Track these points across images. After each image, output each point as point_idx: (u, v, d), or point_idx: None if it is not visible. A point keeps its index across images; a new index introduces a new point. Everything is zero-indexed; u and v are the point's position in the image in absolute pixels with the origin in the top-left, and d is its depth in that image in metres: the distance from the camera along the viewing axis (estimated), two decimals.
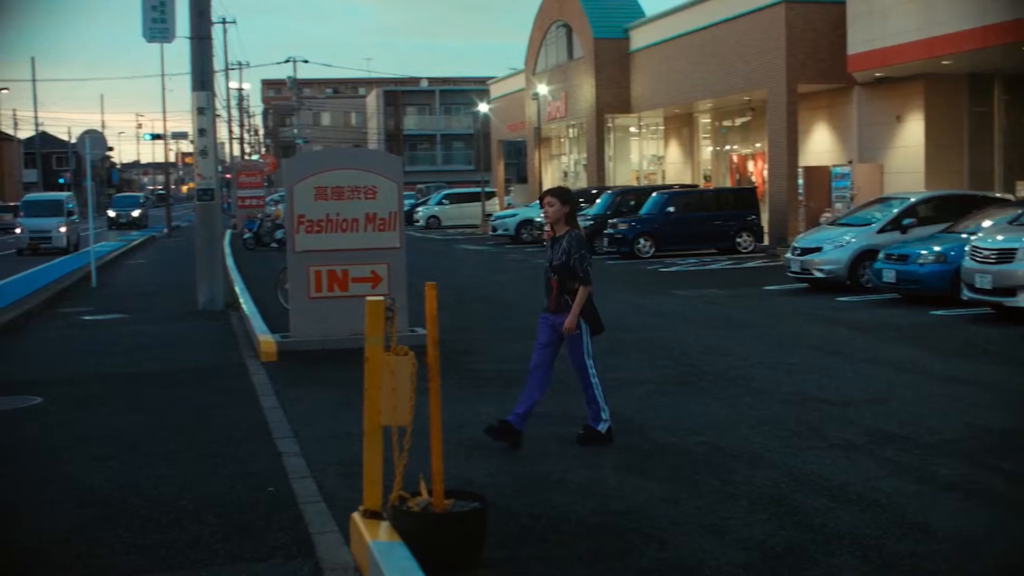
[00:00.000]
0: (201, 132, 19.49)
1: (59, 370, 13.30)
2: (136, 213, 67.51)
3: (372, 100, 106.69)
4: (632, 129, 46.77)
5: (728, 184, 38.99)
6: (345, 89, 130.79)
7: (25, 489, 7.89)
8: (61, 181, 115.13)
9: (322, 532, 6.50)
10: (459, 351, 13.62)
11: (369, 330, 5.86)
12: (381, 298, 5.94)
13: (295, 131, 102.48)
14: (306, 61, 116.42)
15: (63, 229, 39.32)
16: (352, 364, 7.39)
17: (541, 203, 8.86)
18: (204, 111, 19.36)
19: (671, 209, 31.41)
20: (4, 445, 9.42)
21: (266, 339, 14.03)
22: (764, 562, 6.04)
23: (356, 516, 6.03)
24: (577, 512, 6.95)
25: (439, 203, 57.96)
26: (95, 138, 26.38)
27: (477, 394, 10.99)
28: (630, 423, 9.53)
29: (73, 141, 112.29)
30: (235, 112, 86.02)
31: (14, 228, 44.23)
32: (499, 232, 42.88)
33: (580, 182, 48.86)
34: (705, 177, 41.48)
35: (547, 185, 52.30)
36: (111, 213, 64.25)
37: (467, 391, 11.06)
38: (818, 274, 20.49)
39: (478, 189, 54.90)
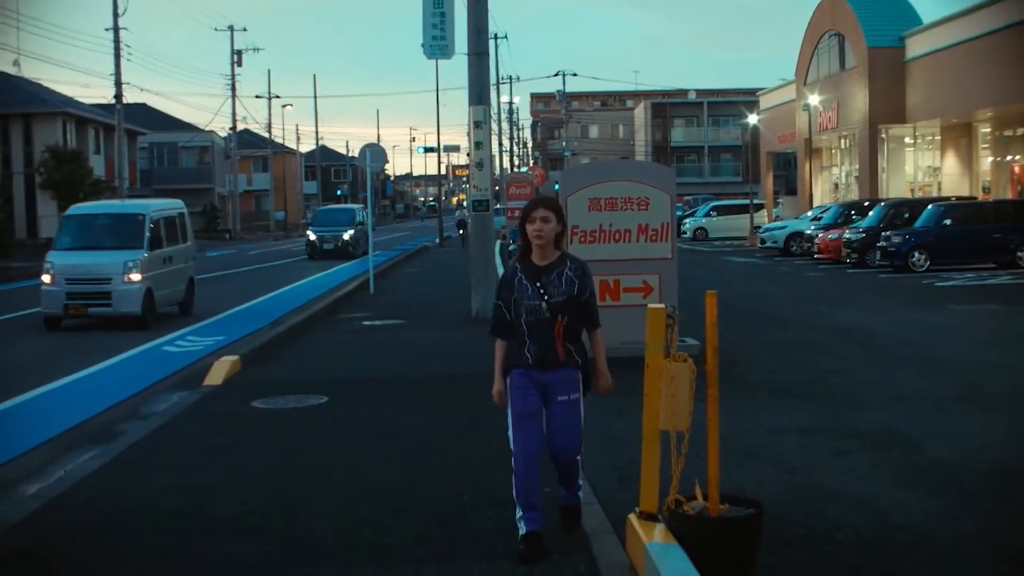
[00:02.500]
0: (477, 145, 20.09)
1: (342, 372, 13.99)
2: (347, 235, 45.10)
3: (640, 112, 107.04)
4: (907, 140, 45.46)
5: (1009, 196, 37.35)
6: (613, 102, 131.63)
7: (317, 481, 8.38)
8: (339, 193, 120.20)
9: (597, 533, 6.69)
10: (730, 362, 13.54)
11: (650, 337, 6.02)
12: (663, 306, 6.09)
13: (563, 144, 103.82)
14: (575, 75, 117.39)
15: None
16: (623, 372, 7.52)
17: (527, 217, 6.37)
18: (480, 125, 19.94)
19: (947, 222, 30.37)
20: (297, 440, 10.01)
21: None
22: None
23: (632, 517, 6.18)
24: (851, 524, 6.91)
25: (706, 215, 57.75)
26: (376, 151, 27.53)
27: (748, 404, 10.96)
28: (906, 438, 9.36)
29: (351, 154, 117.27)
30: (505, 125, 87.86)
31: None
32: (767, 244, 42.41)
33: (851, 194, 47.79)
34: (984, 189, 39.89)
35: (818, 199, 51.45)
36: (311, 235, 46.03)
37: (738, 401, 11.02)
38: None
39: (746, 201, 54.40)
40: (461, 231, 53.77)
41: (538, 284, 6.27)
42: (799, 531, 6.75)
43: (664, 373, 5.93)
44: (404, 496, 7.80)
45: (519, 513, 6.35)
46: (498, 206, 53.10)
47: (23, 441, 10.48)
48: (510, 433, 6.36)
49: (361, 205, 50.62)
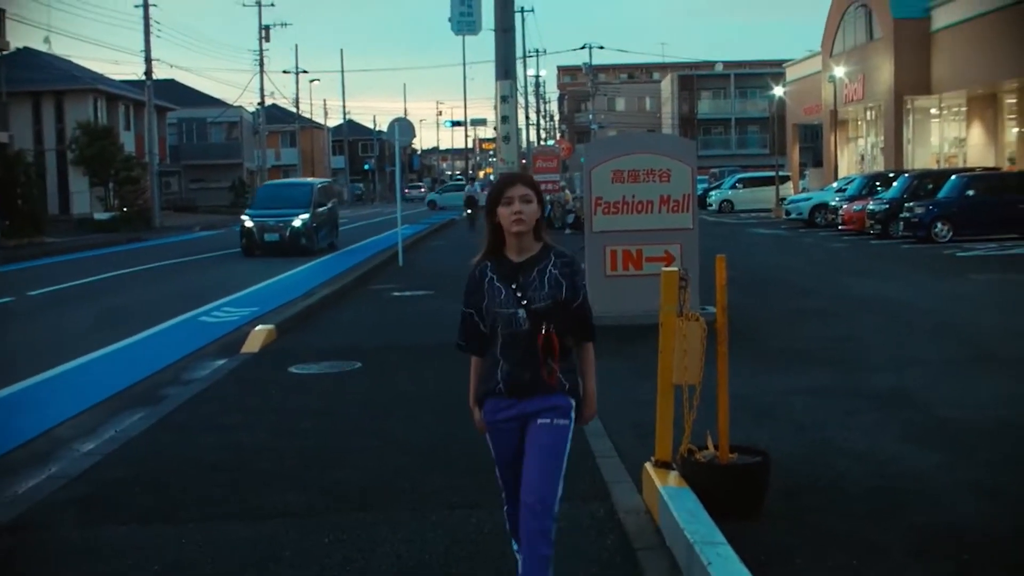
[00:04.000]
0: (504, 119, 20.54)
1: (374, 339, 14.49)
2: (299, 221, 32.26)
3: (666, 85, 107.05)
4: (932, 111, 45.56)
5: None
6: (640, 74, 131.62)
7: (353, 439, 8.89)
8: (367, 167, 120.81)
9: (616, 482, 7.17)
10: (749, 329, 14.04)
11: (664, 298, 6.47)
12: (676, 269, 6.54)
13: (590, 116, 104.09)
14: (601, 47, 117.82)
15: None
16: (645, 339, 7.93)
17: (499, 198, 4.81)
18: (507, 99, 20.38)
19: (971, 192, 30.55)
20: (333, 402, 10.53)
21: None
22: None
23: (648, 466, 6.65)
24: (855, 475, 7.36)
25: (732, 187, 58.04)
26: (404, 125, 27.97)
27: (765, 368, 11.41)
28: (914, 398, 9.79)
29: (377, 128, 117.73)
30: (532, 99, 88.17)
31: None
32: (792, 216, 42.68)
33: (877, 165, 47.94)
34: (1009, 160, 40.00)
35: (844, 171, 51.54)
36: (246, 221, 32.87)
37: (755, 365, 11.47)
38: None
39: (771, 173, 54.58)
40: (468, 211, 47.80)
41: (514, 286, 4.82)
42: (806, 481, 7.20)
43: (677, 331, 6.39)
44: (434, 453, 8.31)
45: (516, 546, 5.18)
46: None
47: (74, 404, 11.02)
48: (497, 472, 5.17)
49: (325, 180, 40.40)
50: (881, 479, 7.26)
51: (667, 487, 6.20)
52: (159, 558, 6.17)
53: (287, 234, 31.68)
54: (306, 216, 32.18)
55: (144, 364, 13.38)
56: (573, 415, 4.91)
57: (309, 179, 44.05)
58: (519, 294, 4.81)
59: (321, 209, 33.68)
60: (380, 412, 9.95)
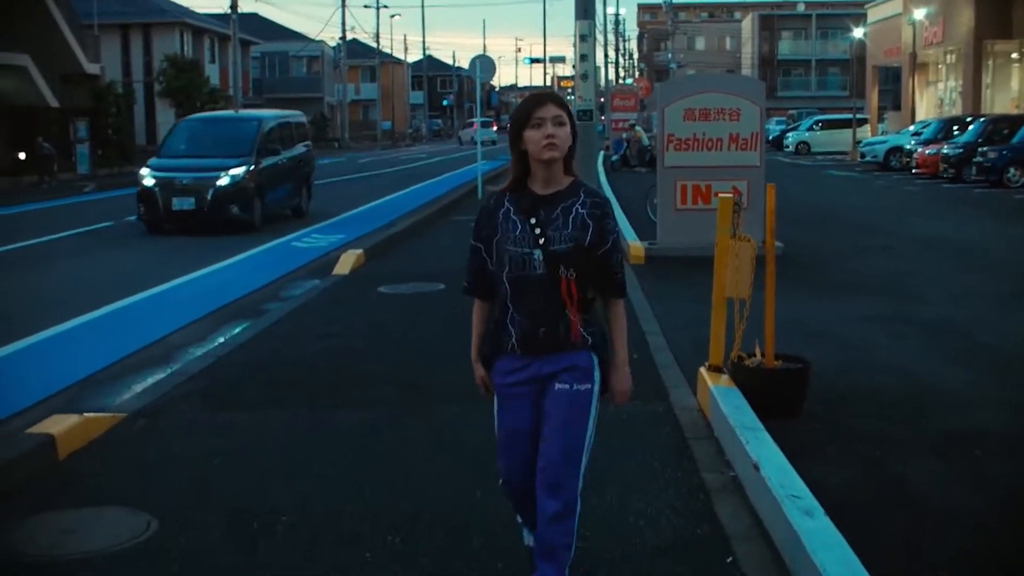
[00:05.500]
0: (583, 58, 21.19)
1: (456, 264, 15.26)
2: (226, 179, 21.19)
3: (747, 24, 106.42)
4: (1013, 56, 45.31)
5: None
6: (720, 13, 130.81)
7: (440, 346, 9.81)
8: (445, 103, 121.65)
9: (674, 386, 8.06)
10: (812, 263, 14.81)
11: (720, 221, 7.30)
12: (731, 196, 7.36)
13: (669, 56, 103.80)
14: None
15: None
16: (709, 269, 8.66)
17: (527, 120, 4.15)
18: (586, 38, 21.01)
19: None
20: (420, 316, 11.49)
21: (636, 245, 15.73)
22: None
23: (702, 370, 7.52)
24: (892, 387, 8.17)
25: (809, 129, 58.06)
26: (485, 62, 28.73)
27: (822, 296, 12.21)
28: (959, 326, 10.55)
29: (457, 64, 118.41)
30: (611, 37, 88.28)
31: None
32: (867, 159, 42.92)
33: (956, 110, 47.82)
34: None
35: (923, 114, 51.35)
36: (146, 179, 21.46)
37: (813, 293, 12.26)
38: None
39: (849, 116, 54.57)
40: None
41: (533, 221, 4.20)
42: (846, 391, 8.03)
43: (730, 250, 7.22)
44: None
45: (520, 520, 4.63)
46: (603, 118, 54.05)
47: (183, 316, 12.08)
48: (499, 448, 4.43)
49: (289, 113, 26.73)
50: (915, 391, 8.06)
51: (717, 386, 7.06)
52: (275, 435, 7.17)
53: (208, 198, 20.80)
54: (240, 170, 21.20)
55: (244, 282, 14.44)
56: (598, 375, 4.27)
57: (259, 112, 29.44)
58: (537, 231, 4.17)
59: (273, 160, 22.57)
60: (464, 325, 10.84)
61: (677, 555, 5.08)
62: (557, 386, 4.22)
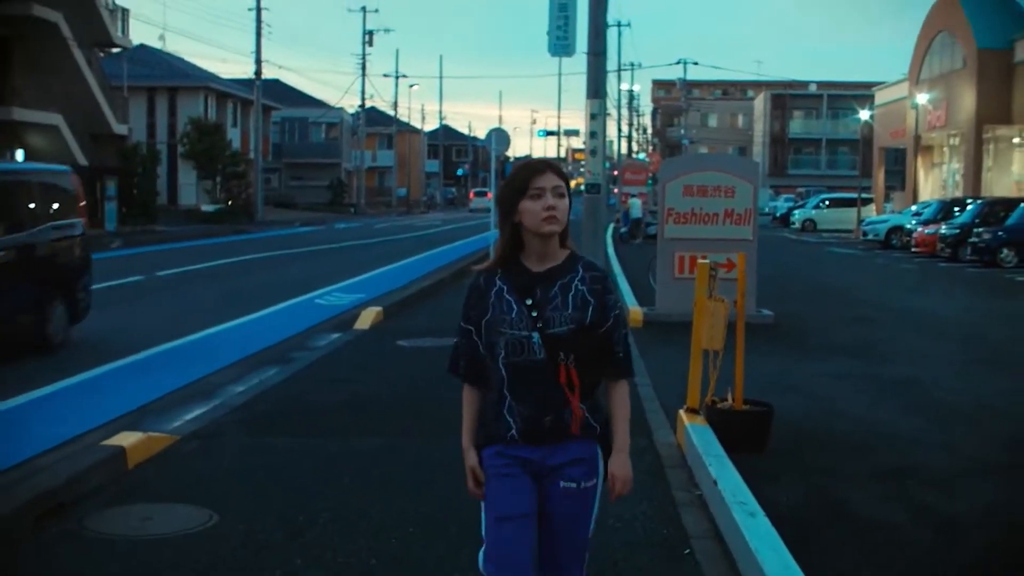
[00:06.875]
0: (592, 134, 22.56)
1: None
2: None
3: (759, 103, 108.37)
4: (1015, 140, 46.76)
5: None
6: (734, 91, 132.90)
7: (456, 393, 10.95)
8: (460, 172, 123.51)
9: (658, 427, 9.25)
10: (797, 330, 16.01)
11: (699, 283, 8.52)
12: (707, 262, 8.58)
13: (682, 131, 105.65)
14: (696, 63, 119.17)
15: None
16: None
17: (525, 189, 3.90)
18: (596, 116, 22.38)
19: None
20: (436, 365, 12.65)
21: (635, 309, 16.96)
22: (978, 471, 8.26)
23: (681, 412, 8.70)
24: (848, 431, 9.37)
25: (815, 207, 59.43)
26: (501, 135, 30.08)
27: (801, 358, 13.42)
28: (920, 384, 11.72)
29: (472, 134, 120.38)
30: (624, 111, 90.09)
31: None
32: (869, 237, 44.18)
33: (959, 191, 49.19)
34: None
35: (928, 195, 52.68)
36: None
37: (793, 355, 13.49)
38: None
39: (854, 195, 55.96)
40: None
41: (529, 302, 3.92)
42: (807, 434, 9.20)
43: (706, 309, 8.42)
44: None
45: None
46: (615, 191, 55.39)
47: (220, 360, 13.27)
48: (483, 549, 4.00)
49: (45, 167, 16.38)
50: (867, 435, 9.24)
51: (692, 424, 8.24)
52: (309, 455, 8.36)
53: None
54: None
55: (271, 334, 15.63)
56: (602, 467, 4.00)
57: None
58: (534, 313, 3.89)
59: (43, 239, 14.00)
60: None
61: (644, 548, 6.25)
62: (563, 484, 3.91)
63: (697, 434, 7.97)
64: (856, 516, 6.97)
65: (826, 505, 7.22)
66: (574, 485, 3.91)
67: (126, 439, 8.16)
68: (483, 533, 3.96)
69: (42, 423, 9.69)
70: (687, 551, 6.18)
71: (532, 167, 3.96)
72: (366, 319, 16.31)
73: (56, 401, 10.81)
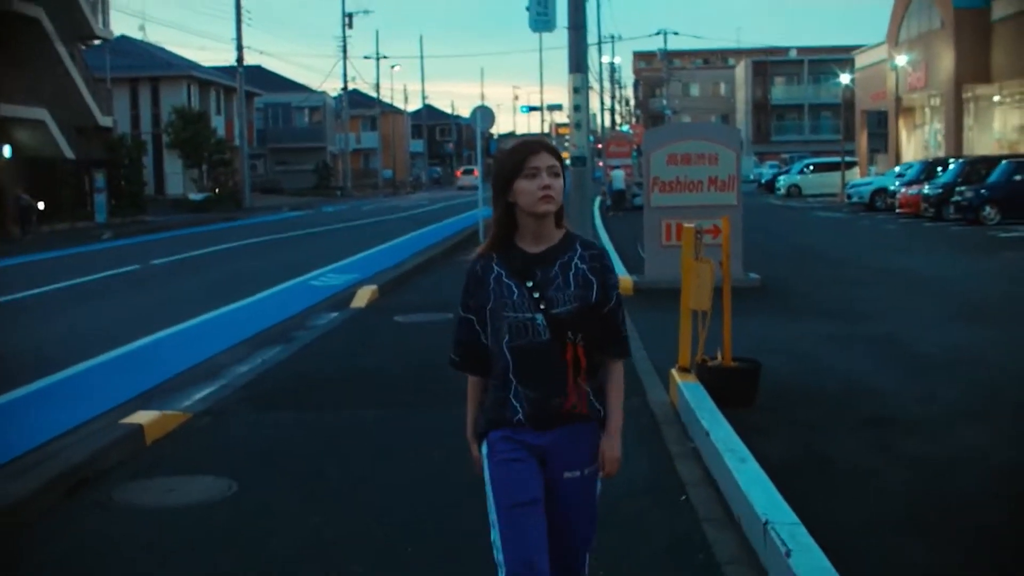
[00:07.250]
0: (576, 108, 22.91)
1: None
2: None
3: (740, 71, 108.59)
4: (995, 98, 47.10)
5: None
6: (714, 60, 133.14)
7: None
8: (445, 150, 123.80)
9: (651, 387, 9.63)
10: (783, 292, 16.42)
11: (685, 246, 8.89)
12: (693, 226, 8.95)
13: (664, 102, 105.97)
14: (676, 33, 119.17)
15: None
16: None
17: (520, 168, 3.83)
18: (579, 90, 22.73)
19: (1019, 177, 32.19)
20: (432, 339, 13.05)
21: (624, 278, 17.33)
22: (954, 418, 8.66)
23: (673, 371, 9.08)
24: (832, 387, 9.75)
25: (800, 172, 59.79)
26: (486, 113, 30.35)
27: (786, 319, 13.81)
28: (899, 341, 12.10)
29: (455, 113, 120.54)
30: (607, 84, 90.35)
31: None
32: (854, 200, 44.61)
33: (941, 152, 49.56)
34: None
35: (911, 156, 53.03)
36: None
37: (779, 317, 13.88)
38: None
39: (838, 159, 56.33)
40: None
41: (530, 285, 3.88)
42: (793, 389, 9.60)
43: (692, 269, 8.79)
44: None
45: None
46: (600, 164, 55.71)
47: (223, 342, 13.62)
48: (495, 536, 3.89)
49: None
50: (849, 389, 9.64)
51: (684, 382, 8.62)
52: (316, 428, 8.76)
53: None
54: None
55: (270, 315, 15.97)
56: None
57: None
58: (536, 294, 3.84)
59: None
60: None
61: (643, 495, 6.63)
62: (567, 475, 3.90)
63: (689, 391, 8.35)
64: (839, 461, 7.37)
65: (811, 453, 7.60)
66: (577, 474, 3.89)
67: (143, 417, 8.54)
68: (491, 517, 3.87)
69: (57, 406, 10.05)
70: (683, 497, 6.57)
71: (527, 146, 3.89)
72: (362, 298, 16.67)
73: (70, 385, 11.18)
